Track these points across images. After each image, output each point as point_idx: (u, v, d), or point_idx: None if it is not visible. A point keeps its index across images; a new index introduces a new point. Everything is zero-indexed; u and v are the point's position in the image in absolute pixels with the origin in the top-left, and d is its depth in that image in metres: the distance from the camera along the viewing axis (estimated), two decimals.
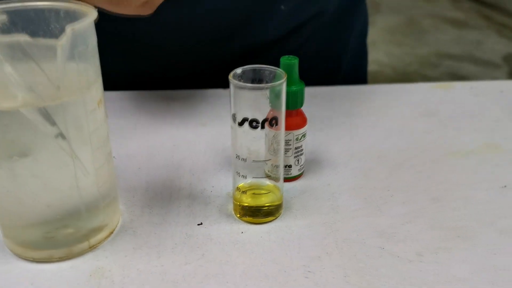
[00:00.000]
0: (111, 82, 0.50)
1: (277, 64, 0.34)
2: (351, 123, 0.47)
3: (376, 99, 0.52)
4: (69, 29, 0.25)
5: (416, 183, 0.38)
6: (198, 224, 0.34)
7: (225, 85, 0.43)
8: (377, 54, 3.09)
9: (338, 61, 0.59)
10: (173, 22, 0.49)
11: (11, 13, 0.29)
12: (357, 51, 0.63)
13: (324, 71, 0.58)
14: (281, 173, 0.34)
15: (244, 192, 0.34)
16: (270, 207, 0.34)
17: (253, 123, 0.31)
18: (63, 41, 0.24)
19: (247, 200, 0.34)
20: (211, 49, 0.52)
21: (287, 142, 0.37)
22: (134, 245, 0.32)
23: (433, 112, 0.50)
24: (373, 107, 0.50)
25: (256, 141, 0.31)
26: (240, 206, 0.34)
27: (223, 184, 0.38)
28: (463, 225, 0.34)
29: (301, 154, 0.38)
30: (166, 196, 0.37)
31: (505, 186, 0.38)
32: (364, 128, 0.46)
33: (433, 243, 0.32)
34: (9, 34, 0.27)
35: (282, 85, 0.30)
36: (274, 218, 0.34)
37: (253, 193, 0.34)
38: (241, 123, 0.31)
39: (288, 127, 0.37)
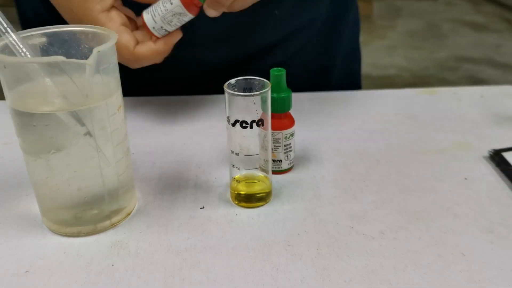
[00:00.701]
0: (131, 89, 0.57)
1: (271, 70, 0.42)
2: (339, 125, 0.53)
3: (365, 104, 0.58)
4: (95, 51, 0.32)
5: (389, 176, 0.44)
6: (201, 208, 0.40)
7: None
8: (396, 58, 3.12)
9: (331, 66, 0.65)
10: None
11: (49, 35, 0.37)
12: (349, 56, 0.68)
13: (318, 76, 0.64)
14: (270, 166, 0.40)
15: (239, 181, 0.40)
16: (261, 194, 0.41)
17: (243, 124, 0.37)
18: (90, 61, 0.31)
19: (242, 188, 0.41)
20: (210, 54, 0.59)
21: (277, 141, 0.44)
22: (147, 224, 0.39)
23: (416, 115, 0.55)
24: (361, 111, 0.56)
25: (246, 139, 0.38)
26: (236, 193, 0.41)
27: (223, 176, 0.45)
28: (423, 210, 0.40)
29: (290, 151, 0.45)
30: (175, 186, 0.43)
31: (466, 179, 0.44)
32: (350, 129, 0.52)
33: (395, 224, 0.38)
34: (49, 56, 0.34)
35: (267, 93, 0.37)
36: (264, 203, 0.41)
37: (246, 183, 0.40)
38: (233, 124, 0.38)
39: (278, 128, 0.43)
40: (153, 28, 0.45)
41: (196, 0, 0.44)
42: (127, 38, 0.45)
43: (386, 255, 0.35)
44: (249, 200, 0.41)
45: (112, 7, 0.45)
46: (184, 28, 0.47)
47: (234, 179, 0.41)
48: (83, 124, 0.34)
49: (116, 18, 0.45)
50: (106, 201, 0.37)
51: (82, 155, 0.35)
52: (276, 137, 0.43)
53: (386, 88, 0.62)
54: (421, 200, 0.41)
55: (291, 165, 0.45)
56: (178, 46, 0.49)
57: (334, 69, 0.66)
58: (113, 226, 0.38)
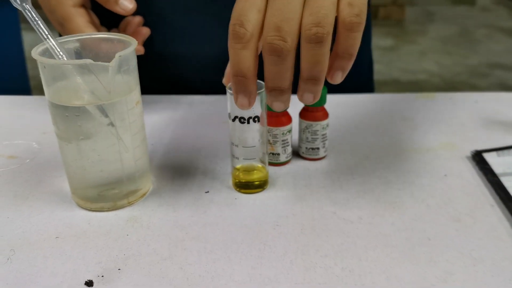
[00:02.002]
0: (152, 87, 0.65)
1: None
2: (336, 124, 0.59)
3: (365, 106, 0.63)
4: (117, 55, 0.39)
5: (374, 170, 0.50)
6: (205, 192, 0.47)
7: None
8: (427, 64, 3.12)
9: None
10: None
11: (81, 41, 0.44)
12: (361, 60, 0.73)
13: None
14: (266, 158, 0.46)
15: (239, 170, 0.47)
16: (258, 182, 0.47)
17: (241, 120, 0.43)
18: (113, 63, 0.38)
19: (241, 177, 0.47)
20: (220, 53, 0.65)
21: (275, 136, 0.50)
22: (158, 203, 0.45)
23: (410, 117, 0.60)
24: (359, 112, 0.62)
25: (244, 133, 0.44)
26: (236, 181, 0.47)
27: (227, 165, 0.51)
28: (400, 200, 0.45)
29: (287, 145, 0.50)
30: (185, 173, 0.50)
31: (445, 175, 0.49)
32: (346, 128, 0.58)
33: (373, 211, 0.44)
34: (81, 59, 0.41)
35: (262, 93, 0.43)
36: (261, 190, 0.47)
37: (246, 171, 0.47)
38: (233, 120, 0.44)
39: (276, 124, 0.49)
40: None
41: None
42: (93, 31, 0.53)
43: (360, 236, 0.41)
44: (247, 187, 0.47)
45: (83, 5, 0.54)
46: (196, 28, 0.54)
47: (234, 168, 0.47)
48: (106, 116, 0.41)
49: (85, 15, 0.54)
50: (125, 182, 0.44)
51: (105, 142, 0.42)
52: (274, 132, 0.49)
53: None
54: (400, 191, 0.46)
55: (288, 158, 0.51)
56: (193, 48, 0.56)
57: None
58: (130, 204, 0.45)
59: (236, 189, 0.47)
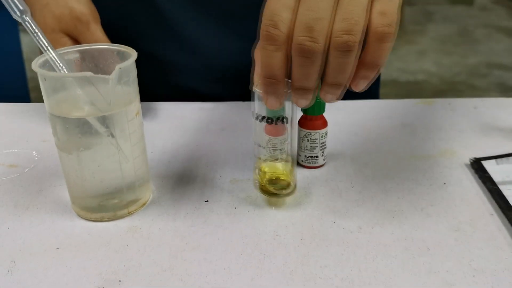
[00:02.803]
0: (152, 94, 0.65)
1: None
2: (336, 131, 0.59)
3: (365, 112, 0.64)
4: (117, 67, 0.39)
5: (374, 178, 0.50)
6: (205, 201, 0.47)
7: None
8: (426, 64, 3.13)
9: None
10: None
11: (81, 52, 0.44)
12: None
13: None
14: (295, 160, 0.45)
15: (265, 173, 0.45)
16: (284, 190, 0.45)
17: (269, 120, 0.42)
18: (113, 76, 0.38)
19: (268, 186, 0.45)
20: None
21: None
22: (158, 212, 0.45)
23: (409, 124, 0.60)
24: (358, 118, 0.62)
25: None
26: (262, 184, 0.45)
27: (228, 174, 0.51)
28: (399, 209, 0.45)
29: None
30: (185, 181, 0.50)
31: (444, 183, 0.49)
32: (346, 135, 0.58)
33: (372, 220, 0.44)
34: (82, 70, 0.41)
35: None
36: (289, 193, 0.45)
37: (271, 180, 0.45)
38: (260, 120, 0.42)
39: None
40: None
41: None
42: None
43: (360, 246, 0.41)
44: (273, 194, 0.45)
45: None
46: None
47: (260, 170, 0.45)
48: (107, 127, 0.41)
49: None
50: (125, 192, 0.44)
51: (105, 152, 0.42)
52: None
53: (412, 93, 0.67)
54: (399, 200, 0.46)
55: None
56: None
57: None
58: (130, 213, 0.45)
59: (259, 191, 0.46)
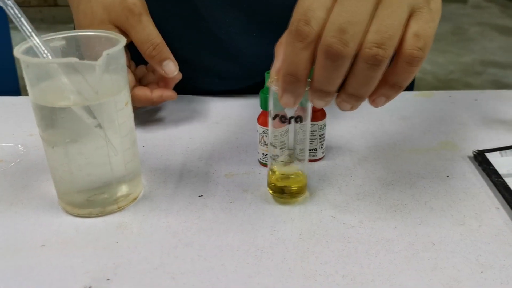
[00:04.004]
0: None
1: None
2: (335, 124, 0.57)
3: (364, 106, 0.61)
4: (105, 53, 0.37)
5: (374, 172, 0.48)
6: (199, 196, 0.45)
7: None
8: None
9: None
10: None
11: (68, 39, 0.42)
12: None
13: None
14: (306, 160, 0.43)
15: (275, 173, 0.43)
16: (296, 188, 0.43)
17: (282, 119, 0.40)
18: (100, 62, 0.36)
19: (278, 182, 0.43)
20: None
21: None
22: (150, 208, 0.43)
23: (409, 116, 0.59)
24: (359, 112, 0.60)
25: (284, 132, 0.41)
26: (272, 184, 0.43)
27: (223, 168, 0.49)
28: (402, 202, 0.43)
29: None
30: (178, 176, 0.48)
31: (447, 176, 0.47)
32: (345, 129, 0.56)
33: (374, 214, 0.42)
34: (65, 58, 0.39)
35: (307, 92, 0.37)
36: (300, 196, 0.43)
37: (283, 177, 0.43)
38: (274, 118, 0.40)
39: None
40: None
41: None
42: (129, 78, 0.50)
43: (362, 241, 0.39)
44: (283, 192, 0.43)
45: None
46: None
47: (271, 170, 0.43)
48: (94, 117, 0.39)
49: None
50: (114, 187, 0.42)
51: (93, 144, 0.40)
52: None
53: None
54: (401, 194, 0.44)
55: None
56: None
57: None
58: (120, 209, 0.43)
59: (270, 192, 0.44)
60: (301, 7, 0.33)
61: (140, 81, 0.57)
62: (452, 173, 0.47)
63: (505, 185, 0.44)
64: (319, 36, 0.32)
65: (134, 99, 0.52)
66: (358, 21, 0.31)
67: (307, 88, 0.36)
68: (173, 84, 0.56)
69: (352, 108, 0.36)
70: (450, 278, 0.35)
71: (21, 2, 3.02)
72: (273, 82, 0.38)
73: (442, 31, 3.57)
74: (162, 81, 0.56)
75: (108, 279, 0.36)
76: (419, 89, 0.66)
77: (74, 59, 0.36)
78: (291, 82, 0.34)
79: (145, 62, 0.55)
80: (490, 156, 0.48)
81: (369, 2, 0.32)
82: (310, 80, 0.35)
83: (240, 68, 0.62)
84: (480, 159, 0.48)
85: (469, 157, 0.50)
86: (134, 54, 0.55)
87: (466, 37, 3.51)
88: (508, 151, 0.49)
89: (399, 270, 0.36)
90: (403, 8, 0.32)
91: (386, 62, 0.32)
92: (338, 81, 0.34)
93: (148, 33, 0.51)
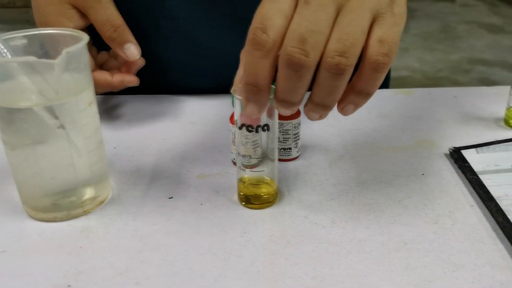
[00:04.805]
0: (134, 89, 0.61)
1: None
2: (310, 123, 0.56)
3: None
4: (64, 51, 0.35)
5: (350, 171, 0.47)
6: (169, 198, 0.44)
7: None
8: (409, 60, 3.12)
9: None
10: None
11: (30, 37, 0.41)
12: None
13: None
14: (276, 168, 0.42)
15: (244, 183, 0.42)
16: (266, 196, 0.42)
17: (249, 128, 0.38)
18: (58, 61, 0.35)
19: (247, 190, 0.42)
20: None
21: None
22: (117, 211, 0.42)
23: (387, 114, 0.58)
24: (334, 109, 0.59)
25: (250, 142, 0.40)
26: (242, 193, 0.42)
27: (196, 169, 0.48)
28: (375, 202, 0.42)
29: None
30: (149, 177, 0.47)
31: (423, 174, 0.46)
32: (321, 127, 0.55)
33: (347, 214, 0.41)
34: (23, 57, 0.38)
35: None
36: (270, 204, 0.42)
37: (252, 184, 0.42)
38: (240, 128, 0.38)
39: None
40: None
41: None
42: (90, 62, 0.49)
43: (333, 242, 0.38)
44: (254, 200, 0.42)
45: (83, 29, 0.50)
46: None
47: (240, 180, 0.42)
48: (57, 118, 0.37)
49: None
50: (79, 190, 0.41)
51: (55, 146, 0.38)
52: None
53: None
54: (375, 193, 0.44)
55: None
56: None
57: None
58: (86, 213, 0.42)
59: (241, 204, 0.43)
60: (259, 14, 0.31)
61: (101, 68, 0.55)
62: (428, 171, 0.47)
63: (480, 183, 0.43)
64: (279, 45, 0.31)
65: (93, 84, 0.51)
66: (319, 29, 0.30)
67: (272, 96, 0.35)
68: (135, 69, 0.55)
69: (320, 117, 0.35)
70: (421, 278, 0.34)
71: (7, 2, 2.97)
72: (236, 91, 0.37)
73: (430, 30, 3.58)
74: (124, 66, 0.55)
75: (69, 286, 0.34)
76: (408, 87, 0.65)
77: (32, 58, 0.34)
78: (253, 92, 0.33)
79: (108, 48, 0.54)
80: (466, 153, 0.48)
81: (330, 9, 0.31)
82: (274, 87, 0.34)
83: (214, 65, 0.61)
84: (456, 156, 0.48)
85: (446, 155, 0.49)
86: (97, 40, 0.53)
87: (454, 35, 3.52)
88: (484, 148, 0.48)
89: (369, 271, 0.35)
90: (365, 14, 0.31)
91: (349, 71, 0.31)
92: (302, 91, 0.33)
93: (109, 14, 0.49)
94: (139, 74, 0.63)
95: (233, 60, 0.60)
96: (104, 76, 0.52)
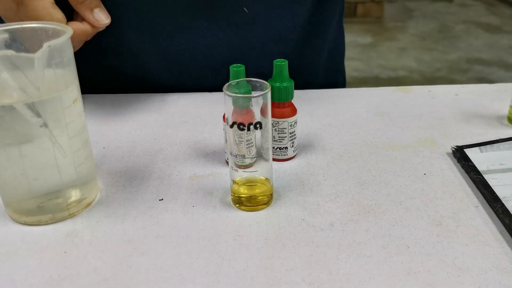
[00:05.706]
0: (116, 86, 0.59)
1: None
2: (309, 122, 0.54)
3: (340, 101, 0.59)
4: (45, 45, 0.33)
5: (348, 171, 0.45)
6: (160, 200, 0.42)
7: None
8: (406, 60, 3.11)
9: (315, 64, 0.66)
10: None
11: (12, 32, 0.39)
12: (332, 55, 0.69)
13: (304, 73, 0.64)
14: (271, 168, 0.40)
15: (238, 184, 0.40)
16: (262, 197, 0.40)
17: (241, 126, 0.37)
18: (38, 54, 0.33)
19: (242, 191, 0.40)
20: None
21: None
22: (105, 214, 0.40)
23: (387, 112, 0.56)
24: (334, 108, 0.57)
25: (243, 141, 0.38)
26: (235, 196, 0.40)
27: (187, 169, 0.46)
28: (376, 203, 0.40)
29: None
30: (139, 178, 0.45)
31: (424, 174, 0.44)
32: (319, 126, 0.53)
33: (346, 216, 0.39)
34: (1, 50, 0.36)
35: (266, 95, 0.36)
36: (265, 206, 0.40)
37: (247, 186, 0.40)
38: (231, 126, 0.37)
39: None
40: None
41: None
42: (61, 15, 0.47)
43: (331, 245, 0.36)
44: (249, 203, 0.40)
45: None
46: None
47: (234, 181, 0.40)
48: (39, 115, 0.35)
49: None
50: (65, 192, 0.39)
51: (37, 145, 0.36)
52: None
53: None
54: (375, 193, 0.42)
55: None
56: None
57: (317, 67, 0.67)
58: (71, 216, 0.40)
59: (235, 206, 0.41)
60: None
61: None
62: (430, 170, 0.45)
63: (485, 182, 0.41)
64: None
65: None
66: None
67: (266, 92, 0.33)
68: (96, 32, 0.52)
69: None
70: (424, 283, 0.33)
71: None
72: (227, 88, 0.36)
73: (428, 29, 3.57)
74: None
75: None
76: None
77: (10, 52, 0.33)
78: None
79: None
80: (469, 152, 0.46)
81: None
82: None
83: (205, 62, 0.59)
84: (459, 156, 0.46)
85: (448, 154, 0.47)
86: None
87: (451, 35, 3.51)
88: (488, 146, 0.47)
89: (369, 276, 0.33)
90: None
91: None
92: None
93: (44, 9, 0.47)
94: (131, 74, 0.62)
95: (225, 57, 0.59)
96: (76, 24, 0.50)
